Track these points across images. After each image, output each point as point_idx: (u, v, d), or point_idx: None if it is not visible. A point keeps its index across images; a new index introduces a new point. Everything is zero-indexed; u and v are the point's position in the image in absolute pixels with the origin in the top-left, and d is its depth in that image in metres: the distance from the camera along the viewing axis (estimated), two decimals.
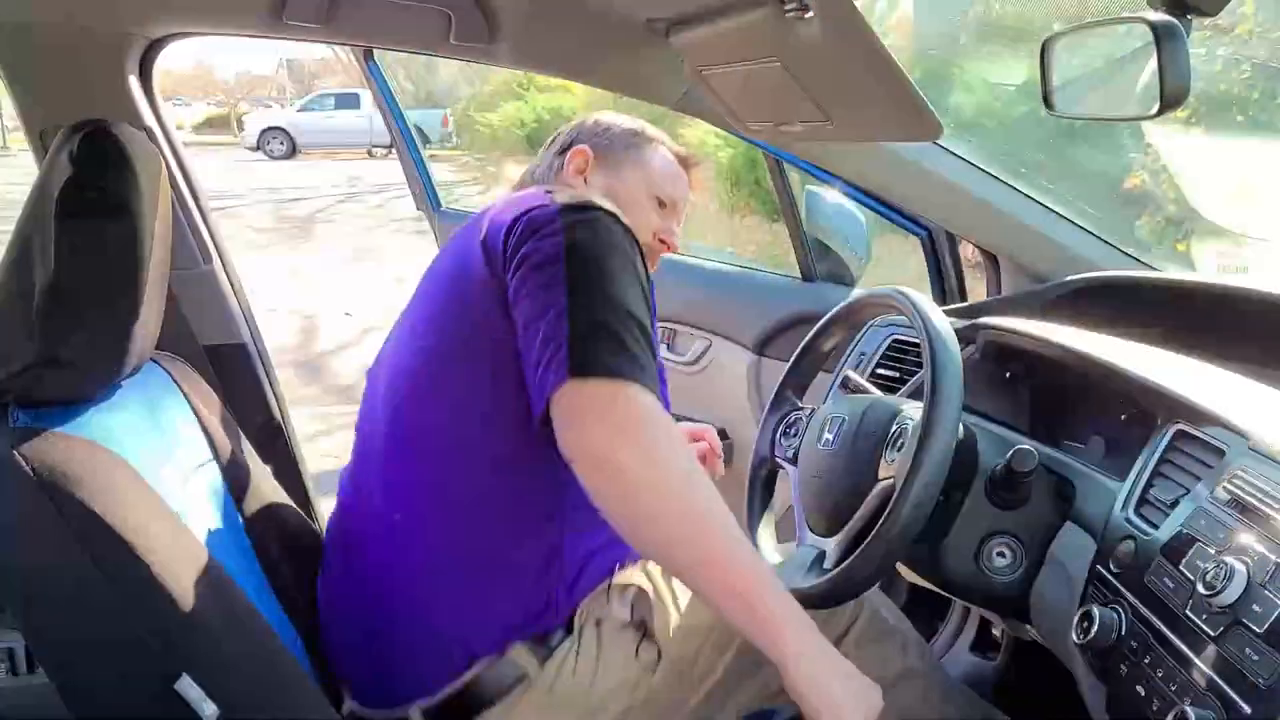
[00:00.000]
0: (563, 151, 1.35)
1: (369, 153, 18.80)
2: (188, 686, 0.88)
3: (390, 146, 3.35)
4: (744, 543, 0.93)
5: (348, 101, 19.04)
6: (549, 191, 1.10)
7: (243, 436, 1.27)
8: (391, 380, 1.14)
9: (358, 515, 1.16)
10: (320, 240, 9.94)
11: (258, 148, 19.18)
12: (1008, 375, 1.40)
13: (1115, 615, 0.96)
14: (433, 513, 1.08)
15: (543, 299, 0.97)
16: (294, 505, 1.32)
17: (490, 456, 1.06)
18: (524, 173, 1.38)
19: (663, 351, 2.17)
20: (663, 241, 1.34)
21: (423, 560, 1.08)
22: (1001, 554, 1.14)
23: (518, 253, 1.02)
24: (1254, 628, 0.81)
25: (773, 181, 2.03)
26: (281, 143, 19.21)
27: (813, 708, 0.89)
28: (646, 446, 0.90)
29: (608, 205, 1.06)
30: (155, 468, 1.02)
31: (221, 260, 1.58)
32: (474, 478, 1.06)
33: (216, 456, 1.19)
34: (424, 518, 1.08)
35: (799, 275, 2.11)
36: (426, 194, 2.71)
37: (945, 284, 1.86)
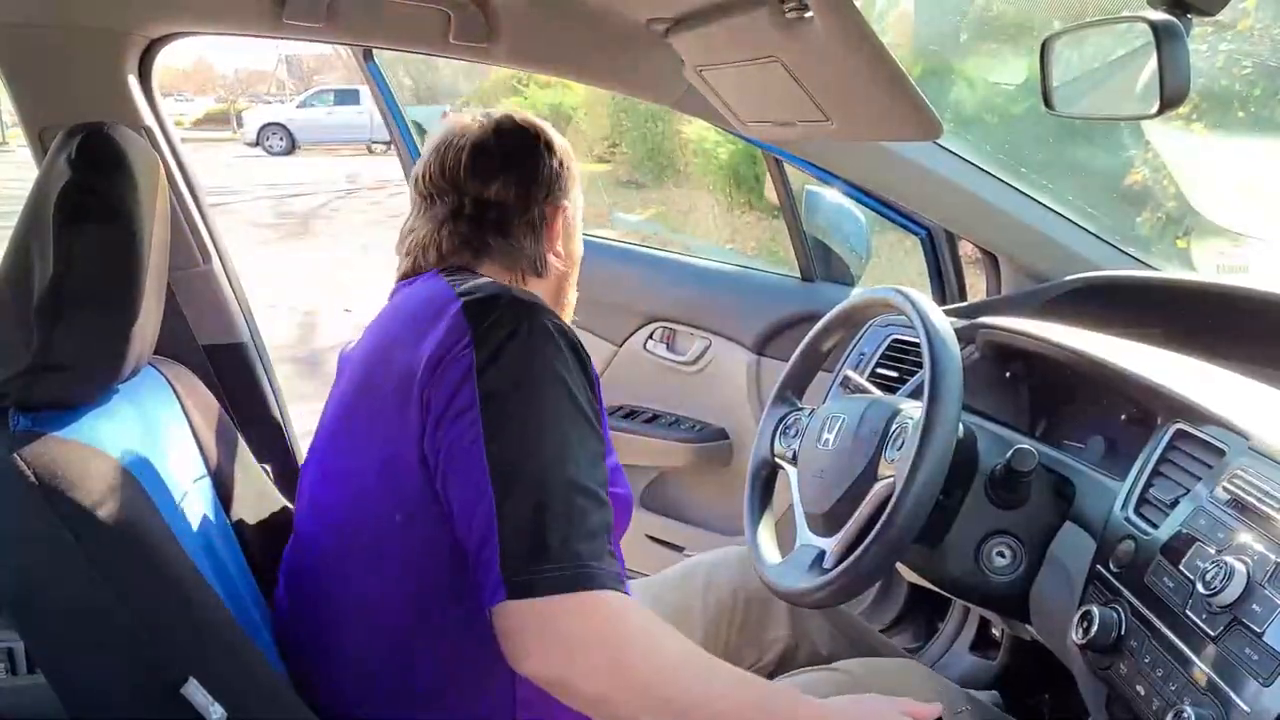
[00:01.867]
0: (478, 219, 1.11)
1: (368, 149, 18.77)
2: (194, 690, 0.88)
3: (390, 143, 3.35)
4: (725, 700, 0.89)
5: (347, 97, 19.01)
6: (466, 300, 0.96)
7: (240, 443, 1.27)
8: (318, 530, 1.06)
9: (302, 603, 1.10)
10: (320, 236, 9.94)
11: (257, 143, 19.15)
12: (1007, 375, 1.40)
13: (1115, 615, 0.96)
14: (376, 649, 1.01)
15: (465, 482, 0.89)
16: (288, 513, 1.31)
17: (445, 620, 0.98)
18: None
19: (662, 350, 2.20)
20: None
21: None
22: (1001, 553, 1.14)
23: (429, 403, 0.92)
24: (1253, 627, 0.81)
25: (772, 180, 2.03)
26: (281, 139, 19.19)
27: None
28: (601, 665, 0.85)
29: (532, 299, 0.96)
30: (152, 477, 1.01)
31: (221, 259, 1.58)
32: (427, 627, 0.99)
33: (210, 471, 1.18)
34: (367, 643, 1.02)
35: (799, 274, 2.11)
36: None
37: (945, 283, 1.86)
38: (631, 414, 2.23)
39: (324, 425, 1.10)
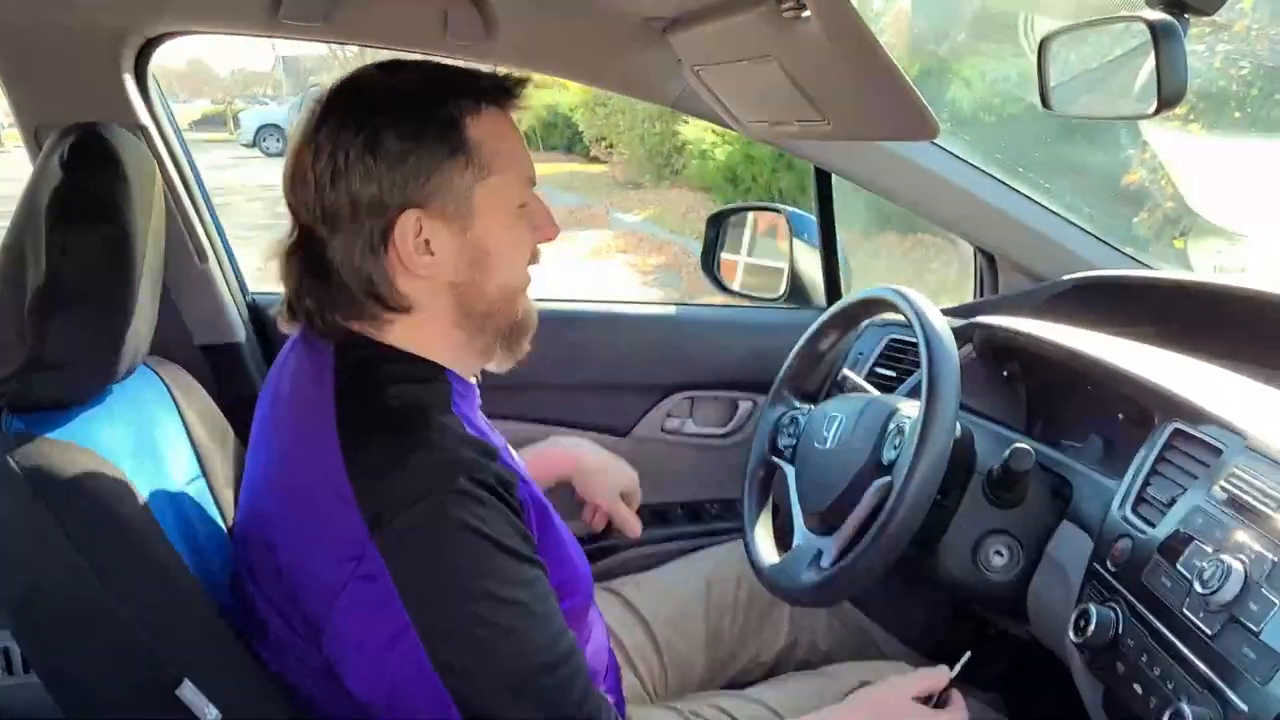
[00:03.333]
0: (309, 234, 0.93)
1: None
2: (189, 692, 0.88)
3: None
4: None
5: None
6: (352, 438, 0.85)
7: (235, 444, 1.27)
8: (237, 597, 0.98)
9: None
10: None
11: (254, 144, 19.12)
12: (1005, 374, 1.40)
13: (1112, 614, 0.96)
14: None
15: (426, 700, 0.81)
16: None
17: None
18: (286, 297, 0.96)
19: (689, 427, 1.81)
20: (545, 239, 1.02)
21: None
22: (999, 553, 1.14)
23: (330, 609, 0.83)
24: (1251, 626, 0.81)
25: (815, 198, 1.78)
26: (278, 140, 19.12)
27: None
28: None
29: (431, 464, 0.84)
30: (146, 478, 1.01)
31: (218, 258, 1.58)
32: None
33: (204, 472, 1.18)
34: None
35: (824, 300, 1.85)
36: None
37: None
38: (663, 517, 1.80)
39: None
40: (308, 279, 0.92)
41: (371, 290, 0.91)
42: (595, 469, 1.33)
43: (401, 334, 0.93)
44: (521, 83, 0.96)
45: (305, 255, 0.93)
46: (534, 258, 1.00)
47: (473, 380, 1.02)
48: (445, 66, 0.96)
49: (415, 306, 0.93)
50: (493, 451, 0.89)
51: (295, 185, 0.93)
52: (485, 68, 0.98)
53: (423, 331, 0.94)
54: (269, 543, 0.90)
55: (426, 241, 0.90)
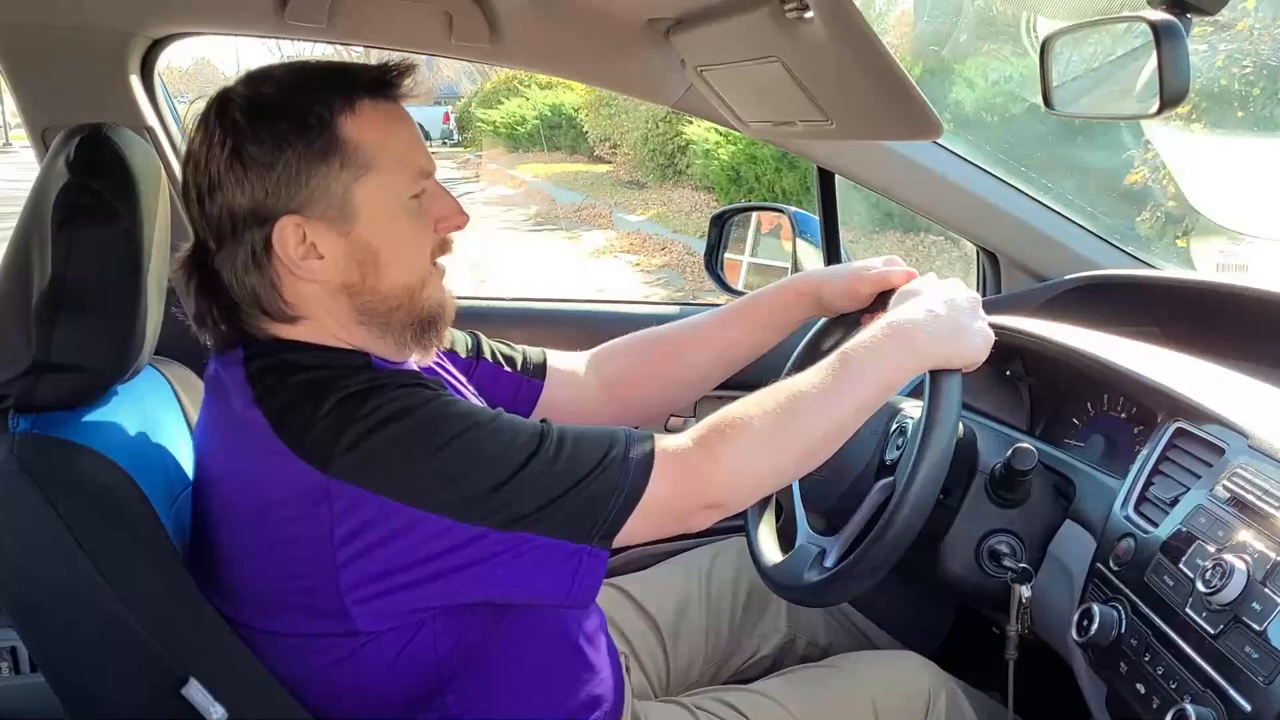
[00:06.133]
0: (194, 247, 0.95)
1: None
2: (195, 691, 0.88)
3: None
4: (823, 397, 0.97)
5: None
6: (281, 418, 0.87)
7: None
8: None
9: None
10: None
11: None
12: (1007, 374, 1.40)
13: (1115, 613, 0.96)
14: None
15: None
16: None
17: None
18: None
19: (692, 425, 1.77)
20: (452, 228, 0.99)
21: None
22: (1001, 552, 1.14)
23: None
24: (1253, 625, 0.81)
25: (818, 198, 1.78)
26: None
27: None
28: (722, 474, 0.93)
29: (348, 397, 0.86)
30: (151, 478, 1.02)
31: None
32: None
33: None
34: None
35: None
36: None
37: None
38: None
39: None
40: (200, 295, 0.95)
41: (258, 304, 0.92)
42: (833, 272, 1.28)
43: (305, 335, 0.95)
44: (401, 72, 0.94)
45: (197, 270, 0.94)
46: (443, 248, 0.99)
47: (409, 363, 1.02)
48: (316, 66, 0.94)
49: (308, 314, 0.93)
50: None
51: (184, 201, 0.94)
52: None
53: (322, 334, 0.95)
54: (229, 555, 0.93)
55: (314, 245, 0.90)
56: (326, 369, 0.91)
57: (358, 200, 0.91)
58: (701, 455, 0.93)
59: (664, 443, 0.93)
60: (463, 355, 1.19)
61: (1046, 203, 1.62)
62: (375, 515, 0.85)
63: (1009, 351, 1.37)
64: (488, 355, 1.21)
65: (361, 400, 0.86)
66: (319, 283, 0.92)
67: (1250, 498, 0.89)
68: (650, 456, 0.91)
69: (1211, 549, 0.89)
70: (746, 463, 0.94)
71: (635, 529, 0.90)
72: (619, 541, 0.90)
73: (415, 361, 1.02)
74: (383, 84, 0.93)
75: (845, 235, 1.82)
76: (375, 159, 0.91)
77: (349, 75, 0.93)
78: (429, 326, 0.98)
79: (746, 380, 1.77)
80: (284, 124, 0.89)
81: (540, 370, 1.23)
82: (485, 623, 0.95)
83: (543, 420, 0.92)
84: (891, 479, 1.10)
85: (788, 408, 0.95)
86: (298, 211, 0.90)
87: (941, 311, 1.04)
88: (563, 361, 1.26)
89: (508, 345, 1.24)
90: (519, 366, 1.23)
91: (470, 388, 1.13)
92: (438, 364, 1.11)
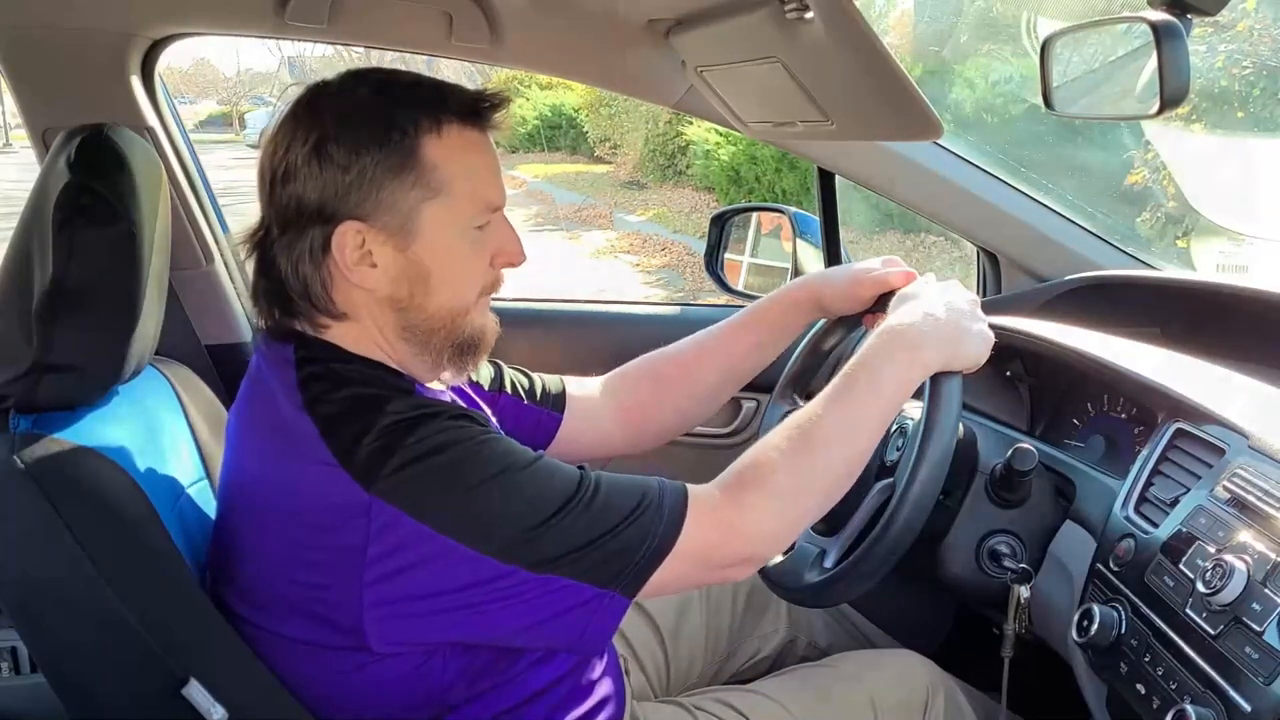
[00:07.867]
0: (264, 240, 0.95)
1: None
2: (195, 691, 0.88)
3: None
4: (838, 432, 0.97)
5: None
6: (324, 417, 0.88)
7: None
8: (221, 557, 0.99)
9: None
10: None
11: (259, 145, 19.10)
12: (1008, 374, 1.40)
13: (1115, 613, 0.96)
14: None
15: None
16: None
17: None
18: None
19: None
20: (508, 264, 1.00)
21: None
22: (1002, 552, 1.14)
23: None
24: (1253, 626, 0.81)
25: (818, 198, 1.78)
26: None
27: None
28: (750, 522, 0.93)
29: (397, 419, 0.87)
30: (152, 479, 1.02)
31: (223, 259, 1.59)
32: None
33: (208, 474, 1.19)
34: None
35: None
36: None
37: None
38: None
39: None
40: (257, 273, 0.96)
41: (307, 295, 0.93)
42: (831, 276, 1.28)
43: (340, 336, 0.95)
44: (495, 104, 0.95)
45: (260, 252, 0.95)
46: (494, 284, 1.00)
47: (440, 388, 1.03)
48: (412, 78, 0.95)
49: (352, 315, 0.94)
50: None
51: (258, 181, 0.95)
52: (472, 85, 0.97)
53: (364, 338, 0.95)
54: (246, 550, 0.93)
55: (370, 253, 0.91)
56: (376, 387, 0.92)
57: (422, 220, 0.92)
58: (730, 507, 0.93)
59: (695, 493, 0.93)
60: (486, 387, 1.20)
61: (1047, 203, 1.62)
62: (410, 539, 0.85)
63: (1009, 352, 1.37)
64: (508, 388, 1.22)
65: (412, 427, 0.87)
66: (368, 290, 0.93)
67: (1250, 498, 0.89)
68: (683, 507, 0.91)
69: (1212, 549, 0.89)
70: (774, 518, 0.95)
71: (664, 579, 0.90)
72: (648, 594, 0.91)
73: (447, 380, 1.03)
74: (474, 112, 0.94)
75: (845, 236, 1.81)
76: (449, 184, 0.92)
77: (442, 94, 0.93)
78: (468, 350, 0.99)
79: (754, 381, 1.78)
80: (368, 131, 0.89)
81: (560, 402, 1.24)
82: (494, 652, 0.96)
83: (580, 466, 0.93)
84: (891, 480, 1.10)
85: (806, 451, 0.96)
86: (362, 218, 0.90)
87: (941, 316, 1.04)
88: (579, 390, 1.27)
89: (525, 374, 1.25)
90: (539, 398, 1.23)
91: (494, 420, 1.13)
92: (464, 390, 1.12)
